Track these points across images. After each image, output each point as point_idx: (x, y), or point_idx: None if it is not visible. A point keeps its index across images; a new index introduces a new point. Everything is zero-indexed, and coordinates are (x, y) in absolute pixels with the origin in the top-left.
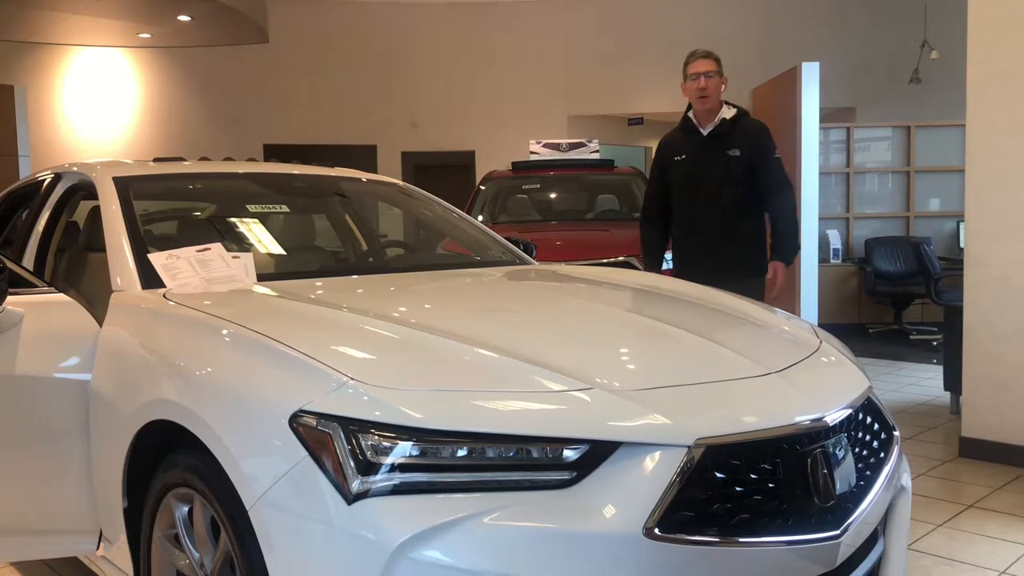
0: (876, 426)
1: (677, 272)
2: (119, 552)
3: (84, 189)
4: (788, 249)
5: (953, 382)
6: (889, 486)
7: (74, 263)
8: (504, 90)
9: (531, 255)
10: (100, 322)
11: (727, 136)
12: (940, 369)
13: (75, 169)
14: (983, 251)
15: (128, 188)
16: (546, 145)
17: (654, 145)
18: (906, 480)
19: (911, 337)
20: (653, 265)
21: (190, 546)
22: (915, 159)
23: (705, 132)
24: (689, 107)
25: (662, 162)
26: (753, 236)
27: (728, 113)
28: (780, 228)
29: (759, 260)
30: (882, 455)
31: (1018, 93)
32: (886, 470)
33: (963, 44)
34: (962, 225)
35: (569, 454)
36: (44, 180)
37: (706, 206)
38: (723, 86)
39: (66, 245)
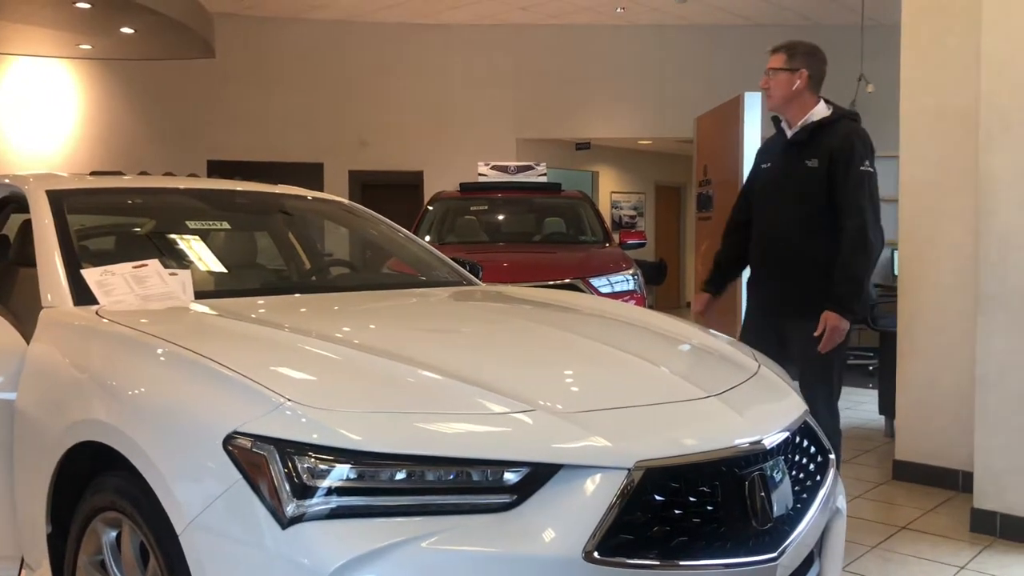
0: (812, 449)
1: (748, 298)
2: None
3: (15, 201)
4: (842, 292)
5: (888, 406)
6: (825, 509)
7: (2, 278)
8: (453, 112)
9: (477, 276)
10: (28, 339)
11: (805, 144)
12: (876, 393)
13: (7, 181)
14: (915, 278)
15: (62, 202)
16: (494, 167)
17: (601, 170)
18: (841, 502)
19: (848, 362)
20: (710, 283)
21: (117, 573)
22: None
23: (789, 136)
24: None
25: (753, 169)
26: (825, 267)
27: (819, 115)
28: (838, 263)
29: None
30: (818, 478)
31: (948, 128)
32: (822, 493)
33: (898, 78)
34: (896, 253)
35: (510, 477)
36: None
37: (777, 225)
38: (797, 82)
39: None
